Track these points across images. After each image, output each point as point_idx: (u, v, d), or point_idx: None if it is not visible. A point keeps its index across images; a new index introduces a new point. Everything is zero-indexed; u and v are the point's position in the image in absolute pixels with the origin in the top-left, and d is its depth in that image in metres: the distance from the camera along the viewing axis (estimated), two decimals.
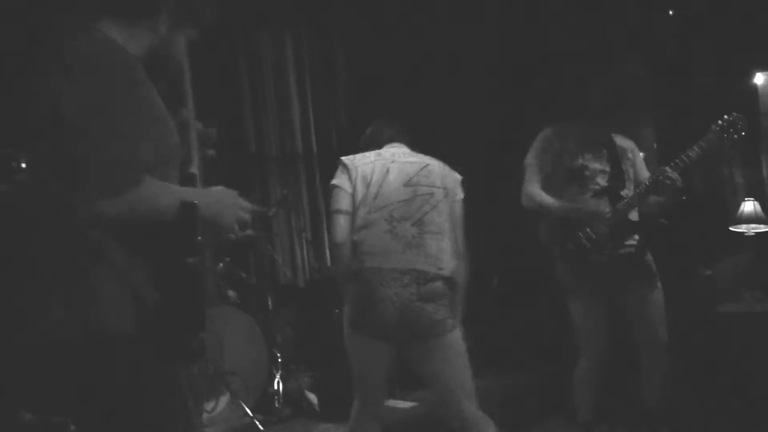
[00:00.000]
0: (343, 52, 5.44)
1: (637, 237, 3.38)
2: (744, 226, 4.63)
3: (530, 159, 3.47)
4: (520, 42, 4.97)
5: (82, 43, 1.64)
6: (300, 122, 5.38)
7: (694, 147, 3.11)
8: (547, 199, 3.37)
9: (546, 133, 3.50)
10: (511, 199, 3.54)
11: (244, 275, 4.33)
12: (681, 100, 4.61)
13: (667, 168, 3.08)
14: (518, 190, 3.47)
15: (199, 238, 1.58)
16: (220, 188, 1.75)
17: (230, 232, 1.76)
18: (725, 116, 3.12)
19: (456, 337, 2.67)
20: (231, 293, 4.06)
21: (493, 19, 4.98)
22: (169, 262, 1.55)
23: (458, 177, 2.87)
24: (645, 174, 3.43)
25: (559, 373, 3.83)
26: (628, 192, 3.35)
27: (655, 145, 4.95)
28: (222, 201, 1.72)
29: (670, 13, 4.35)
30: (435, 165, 2.85)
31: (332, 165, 2.88)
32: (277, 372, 4.16)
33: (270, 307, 4.32)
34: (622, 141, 3.47)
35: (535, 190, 3.41)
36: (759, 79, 4.95)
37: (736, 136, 3.11)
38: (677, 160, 3.11)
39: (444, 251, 2.68)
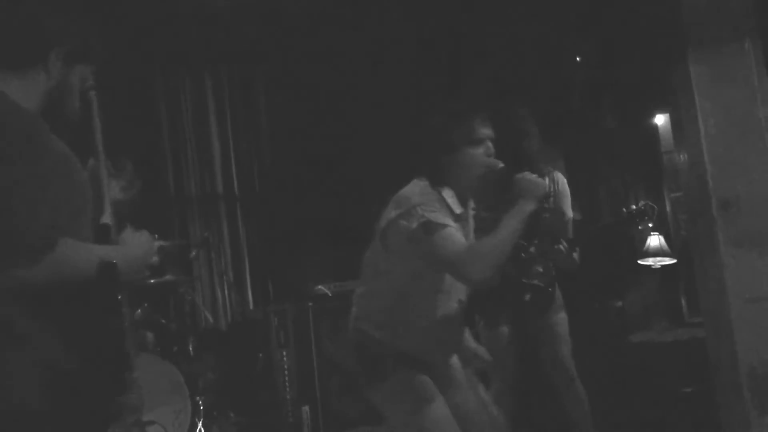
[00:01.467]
0: (265, 94, 5.46)
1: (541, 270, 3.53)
2: (651, 259, 4.89)
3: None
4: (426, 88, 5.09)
5: None
6: (221, 163, 5.35)
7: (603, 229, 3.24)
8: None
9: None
10: None
11: (163, 321, 4.25)
12: (589, 144, 4.83)
13: (562, 240, 3.18)
14: None
15: (119, 297, 1.55)
16: (131, 235, 1.71)
17: (142, 279, 1.75)
18: (634, 207, 3.28)
19: None
20: (149, 335, 3.98)
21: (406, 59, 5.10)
22: (88, 326, 1.51)
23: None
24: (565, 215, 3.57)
25: None
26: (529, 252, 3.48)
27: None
28: (137, 252, 1.69)
29: (578, 59, 4.57)
30: None
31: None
32: (200, 420, 4.08)
33: (191, 353, 4.25)
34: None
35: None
36: (659, 119, 5.27)
37: (642, 226, 3.26)
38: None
39: None
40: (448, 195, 2.51)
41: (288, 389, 4.22)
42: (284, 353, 4.32)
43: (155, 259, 1.75)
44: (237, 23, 4.94)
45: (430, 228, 2.34)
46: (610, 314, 4.81)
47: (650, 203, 3.37)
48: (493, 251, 2.31)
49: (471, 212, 2.62)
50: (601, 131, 4.95)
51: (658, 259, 4.90)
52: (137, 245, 1.70)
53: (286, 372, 4.25)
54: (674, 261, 4.81)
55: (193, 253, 4.60)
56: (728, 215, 2.38)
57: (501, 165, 2.48)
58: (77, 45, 1.73)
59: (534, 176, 2.44)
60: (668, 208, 5.17)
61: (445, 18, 4.65)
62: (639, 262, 4.92)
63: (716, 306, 2.42)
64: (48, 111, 1.68)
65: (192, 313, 4.63)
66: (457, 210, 2.46)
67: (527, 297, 3.38)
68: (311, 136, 5.07)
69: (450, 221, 2.41)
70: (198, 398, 4.14)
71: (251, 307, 5.03)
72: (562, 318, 3.54)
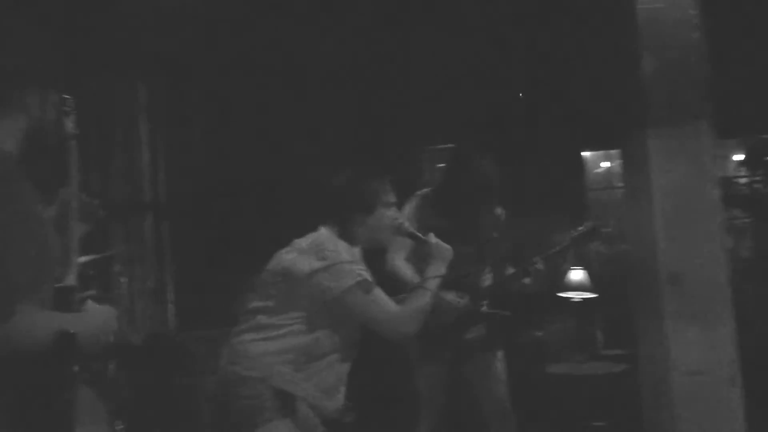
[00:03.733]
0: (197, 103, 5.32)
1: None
2: (571, 292, 5.03)
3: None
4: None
5: None
6: (149, 173, 5.15)
7: (556, 248, 3.36)
8: (407, 271, 3.48)
9: (414, 204, 3.60)
10: None
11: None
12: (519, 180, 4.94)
13: (537, 258, 3.29)
14: None
15: (75, 368, 1.53)
16: (92, 306, 1.69)
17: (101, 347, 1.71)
18: (582, 226, 3.40)
19: None
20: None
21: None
22: (39, 398, 1.48)
23: None
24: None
25: None
26: (481, 281, 3.55)
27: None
28: (97, 321, 1.67)
29: (520, 95, 4.67)
30: None
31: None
32: None
33: (111, 374, 4.07)
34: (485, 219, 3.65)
35: (398, 261, 3.50)
36: (584, 154, 5.46)
37: (591, 241, 3.40)
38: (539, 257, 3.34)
39: None
40: (356, 251, 2.66)
41: (210, 416, 4.12)
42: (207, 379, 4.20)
43: (112, 335, 1.74)
44: (171, 28, 4.78)
45: (367, 287, 2.48)
46: (531, 344, 4.95)
47: (595, 223, 3.51)
48: (420, 313, 2.54)
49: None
50: (530, 166, 5.07)
51: (579, 293, 5.05)
52: (98, 317, 1.67)
53: (208, 398, 4.14)
54: (595, 296, 4.96)
55: (117, 268, 4.41)
56: (675, 289, 2.48)
57: (403, 223, 2.75)
58: (48, 74, 1.71)
59: (442, 243, 2.68)
60: (591, 244, 5.33)
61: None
62: (559, 294, 5.06)
63: (657, 377, 2.53)
64: (28, 148, 1.65)
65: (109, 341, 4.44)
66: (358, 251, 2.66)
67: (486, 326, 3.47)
68: (239, 152, 4.98)
69: (368, 273, 2.56)
70: (117, 422, 3.97)
71: (174, 327, 4.88)
72: (500, 354, 3.62)
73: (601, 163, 5.18)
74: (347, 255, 2.52)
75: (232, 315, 4.38)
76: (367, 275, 2.52)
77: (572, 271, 5.01)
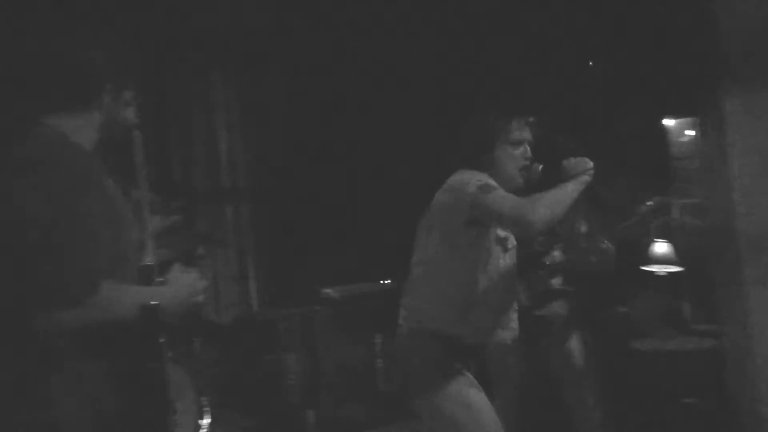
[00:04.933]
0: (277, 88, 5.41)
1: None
2: (656, 265, 4.88)
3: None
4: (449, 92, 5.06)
5: (32, 146, 1.61)
6: (227, 158, 5.29)
7: (623, 225, 3.28)
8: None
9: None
10: None
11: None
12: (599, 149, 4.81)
13: (602, 238, 3.23)
14: None
15: (161, 340, 1.59)
16: (178, 274, 1.74)
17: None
18: (652, 201, 3.29)
19: None
20: None
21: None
22: (130, 368, 1.56)
23: None
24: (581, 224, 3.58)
25: None
26: (553, 258, 3.50)
27: None
28: (181, 292, 1.72)
29: (590, 63, 4.54)
30: None
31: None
32: (205, 418, 4.08)
33: (196, 352, 4.24)
34: None
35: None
36: (671, 125, 5.24)
37: (657, 223, 3.30)
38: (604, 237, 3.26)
39: None
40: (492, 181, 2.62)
41: (293, 393, 4.24)
42: (291, 356, 4.33)
43: (201, 297, 1.80)
44: (243, 15, 4.88)
45: (487, 188, 2.49)
46: (614, 320, 4.83)
47: (664, 198, 3.40)
48: (553, 202, 2.44)
49: None
50: (611, 135, 4.93)
51: (664, 266, 4.89)
52: (182, 285, 1.74)
53: (291, 375, 4.26)
54: (681, 269, 4.80)
55: (200, 251, 4.56)
56: (756, 255, 2.37)
57: (540, 166, 2.65)
58: (122, 74, 1.77)
59: (575, 159, 2.55)
60: (676, 215, 5.15)
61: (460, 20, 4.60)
62: (643, 268, 4.92)
63: (740, 346, 2.43)
64: (102, 146, 1.73)
65: (197, 311, 4.61)
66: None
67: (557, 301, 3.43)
68: (325, 135, 5.03)
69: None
70: (203, 399, 4.13)
71: (256, 307, 5.02)
72: (577, 330, 3.58)
73: (686, 131, 4.96)
74: (469, 176, 2.55)
75: (310, 294, 4.51)
76: (488, 180, 2.52)
77: (656, 243, 4.86)
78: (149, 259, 1.77)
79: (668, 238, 4.85)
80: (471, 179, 2.52)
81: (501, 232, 2.63)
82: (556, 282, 3.55)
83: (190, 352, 4.23)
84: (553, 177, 2.57)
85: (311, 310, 4.33)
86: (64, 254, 1.50)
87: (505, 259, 2.64)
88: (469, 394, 2.50)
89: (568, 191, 2.46)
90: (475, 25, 4.56)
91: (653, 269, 4.93)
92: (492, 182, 2.53)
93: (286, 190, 5.13)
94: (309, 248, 4.81)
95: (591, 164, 2.56)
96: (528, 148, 2.68)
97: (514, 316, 2.73)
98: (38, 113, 1.67)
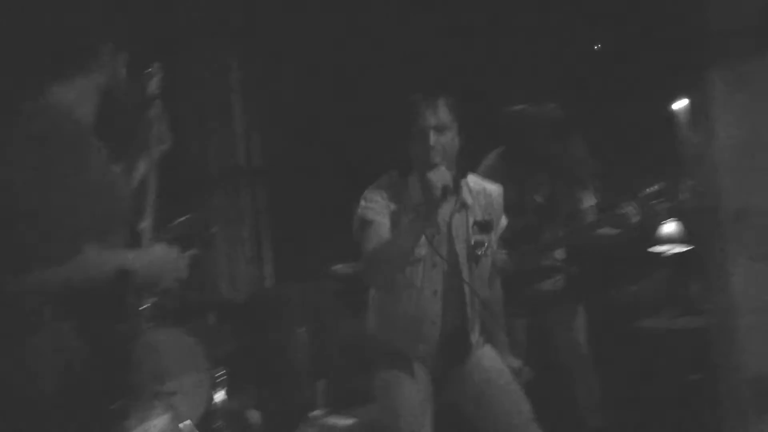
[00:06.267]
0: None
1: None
2: (664, 246, 4.91)
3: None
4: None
5: (27, 116, 1.67)
6: (243, 136, 5.39)
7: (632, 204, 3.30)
8: None
9: (489, 162, 3.64)
10: None
11: (183, 293, 4.36)
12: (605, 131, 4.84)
13: (631, 204, 3.26)
14: None
15: (130, 303, 1.67)
16: (159, 247, 1.81)
17: (169, 290, 1.84)
18: (656, 186, 3.33)
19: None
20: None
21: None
22: (100, 329, 1.64)
23: None
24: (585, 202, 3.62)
25: None
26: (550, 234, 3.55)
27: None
28: (161, 262, 1.79)
29: (596, 47, 4.56)
30: None
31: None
32: (219, 390, 4.22)
33: (210, 325, 4.38)
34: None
35: None
36: (679, 105, 5.25)
37: (659, 207, 3.33)
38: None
39: None
40: (413, 183, 2.58)
41: (305, 365, 4.35)
42: (303, 329, 4.43)
43: (184, 274, 1.85)
44: None
45: (360, 223, 2.54)
46: (621, 299, 4.88)
47: (669, 181, 3.43)
48: (385, 257, 2.43)
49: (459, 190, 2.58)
50: (617, 118, 4.95)
51: (673, 246, 4.92)
52: (164, 258, 1.80)
53: (303, 348, 4.36)
54: (690, 248, 4.82)
55: (215, 228, 4.68)
56: (740, 226, 2.43)
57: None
58: (119, 33, 1.80)
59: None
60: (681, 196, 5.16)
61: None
62: (651, 249, 4.95)
63: (723, 317, 2.50)
64: (103, 106, 1.79)
65: (212, 286, 4.74)
66: (416, 198, 2.51)
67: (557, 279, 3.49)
68: (333, 114, 5.10)
69: (381, 216, 2.50)
70: (217, 370, 4.28)
71: (269, 282, 5.12)
72: (580, 306, 3.65)
73: (690, 112, 4.96)
74: (369, 192, 2.58)
75: (323, 269, 4.61)
76: (364, 213, 2.51)
77: (665, 223, 4.89)
78: (144, 225, 1.85)
79: (674, 218, 4.89)
80: (362, 198, 2.58)
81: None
82: (556, 257, 3.61)
83: (205, 327, 4.36)
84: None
85: (323, 285, 4.44)
86: (48, 218, 1.57)
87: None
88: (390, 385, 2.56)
89: (405, 236, 2.41)
90: (475, 15, 4.61)
91: (662, 249, 4.97)
92: (365, 215, 2.51)
93: (299, 169, 5.22)
94: (321, 226, 4.91)
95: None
96: (431, 135, 2.46)
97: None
98: (38, 84, 1.72)
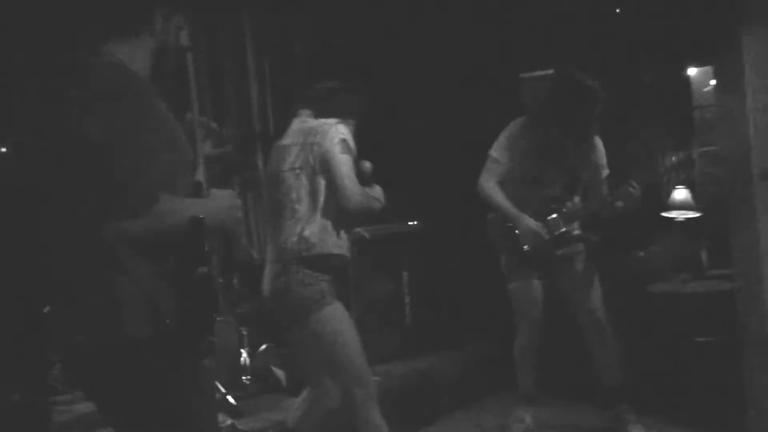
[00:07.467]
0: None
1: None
2: (675, 212, 5.01)
3: (493, 151, 3.70)
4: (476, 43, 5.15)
5: (96, 72, 1.74)
6: (258, 102, 5.41)
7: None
8: (496, 195, 3.62)
9: (512, 130, 3.70)
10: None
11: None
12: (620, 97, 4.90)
13: (632, 182, 3.36)
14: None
15: (206, 248, 1.74)
16: (219, 193, 1.90)
17: (233, 232, 1.96)
18: (674, 157, 3.41)
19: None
20: None
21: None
22: (182, 273, 1.71)
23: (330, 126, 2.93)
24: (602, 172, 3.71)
25: (500, 351, 4.15)
26: (572, 204, 3.64)
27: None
28: (222, 206, 1.87)
29: (617, 11, 4.59)
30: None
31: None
32: (245, 348, 4.32)
33: (235, 287, 4.45)
34: (584, 145, 3.69)
35: (488, 183, 3.64)
36: (692, 73, 5.30)
37: (685, 174, 3.40)
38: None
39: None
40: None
41: None
42: None
43: (240, 213, 1.93)
44: None
45: (345, 148, 2.80)
46: (632, 264, 4.98)
47: (687, 152, 3.51)
48: (368, 207, 2.86)
49: None
50: (633, 85, 5.00)
51: (683, 212, 5.01)
52: (223, 200, 1.88)
53: None
54: (699, 215, 4.92)
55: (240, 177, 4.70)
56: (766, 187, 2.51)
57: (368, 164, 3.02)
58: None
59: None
60: (697, 162, 5.23)
61: None
62: (663, 214, 5.04)
63: (750, 271, 2.58)
64: (153, 70, 1.85)
65: (234, 248, 4.79)
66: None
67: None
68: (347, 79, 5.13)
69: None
70: (242, 330, 4.38)
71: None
72: (595, 270, 3.74)
73: (711, 81, 5.02)
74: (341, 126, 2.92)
75: None
76: (350, 140, 2.83)
77: (676, 190, 4.98)
78: (199, 176, 1.94)
79: (688, 186, 4.97)
80: (339, 125, 2.83)
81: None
82: (574, 227, 3.70)
83: (229, 286, 4.44)
84: None
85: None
86: (128, 173, 1.64)
87: None
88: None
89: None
90: None
91: (672, 215, 5.07)
92: (351, 143, 2.82)
93: None
94: None
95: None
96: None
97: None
98: (94, 43, 1.79)
